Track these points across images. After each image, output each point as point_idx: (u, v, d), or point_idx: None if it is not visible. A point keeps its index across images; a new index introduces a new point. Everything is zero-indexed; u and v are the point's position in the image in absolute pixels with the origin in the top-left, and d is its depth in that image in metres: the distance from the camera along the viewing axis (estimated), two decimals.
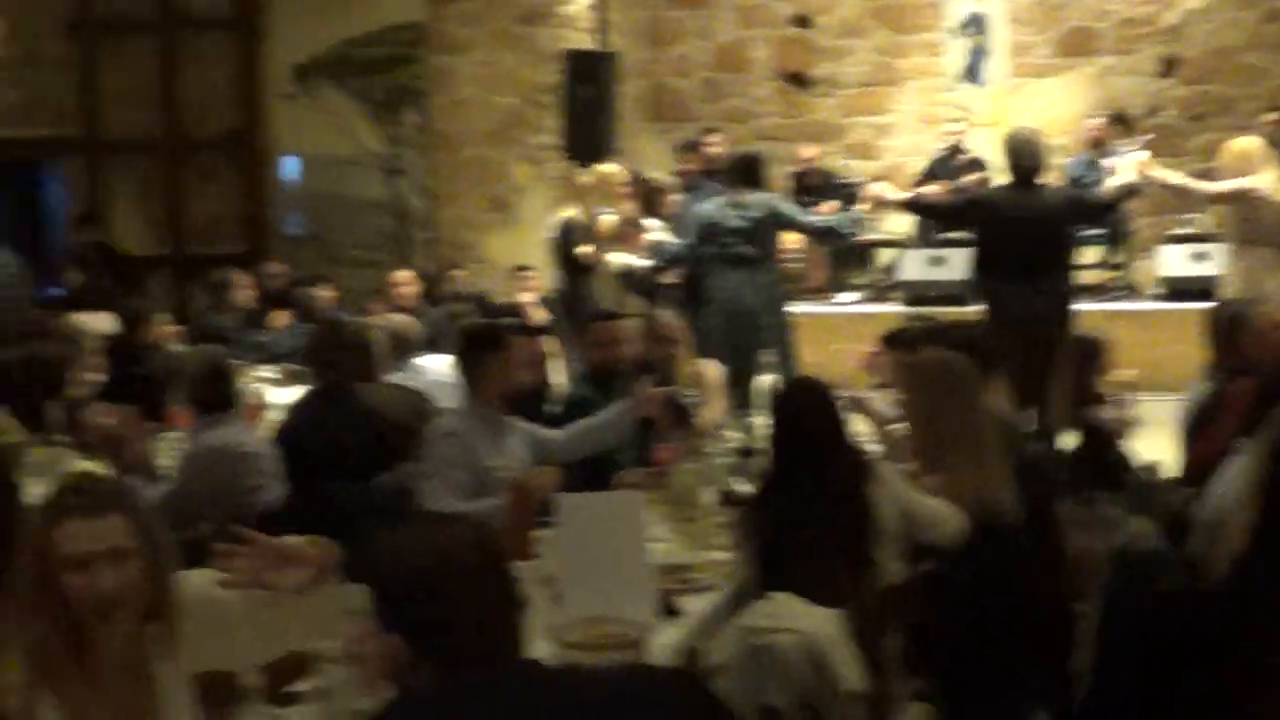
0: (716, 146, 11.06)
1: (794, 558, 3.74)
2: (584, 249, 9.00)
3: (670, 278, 8.97)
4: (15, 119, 13.77)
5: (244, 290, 9.99)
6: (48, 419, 6.05)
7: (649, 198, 9.61)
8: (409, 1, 12.33)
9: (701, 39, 13.37)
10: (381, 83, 12.59)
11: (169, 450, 6.15)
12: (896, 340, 5.57)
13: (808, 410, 4.17)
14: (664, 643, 3.49)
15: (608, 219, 9.24)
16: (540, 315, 10.42)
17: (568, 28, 12.02)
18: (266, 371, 8.23)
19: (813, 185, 12.21)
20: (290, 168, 13.12)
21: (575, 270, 9.32)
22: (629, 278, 9.03)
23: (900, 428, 4.74)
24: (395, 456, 5.69)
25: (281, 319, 9.85)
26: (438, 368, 7.63)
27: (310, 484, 5.39)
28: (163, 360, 7.74)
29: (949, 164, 12.03)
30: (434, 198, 12.55)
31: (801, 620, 3.41)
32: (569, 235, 9.32)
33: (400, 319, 7.40)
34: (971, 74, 13.18)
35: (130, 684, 2.76)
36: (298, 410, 5.81)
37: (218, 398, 5.20)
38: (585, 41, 11.77)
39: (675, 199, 9.87)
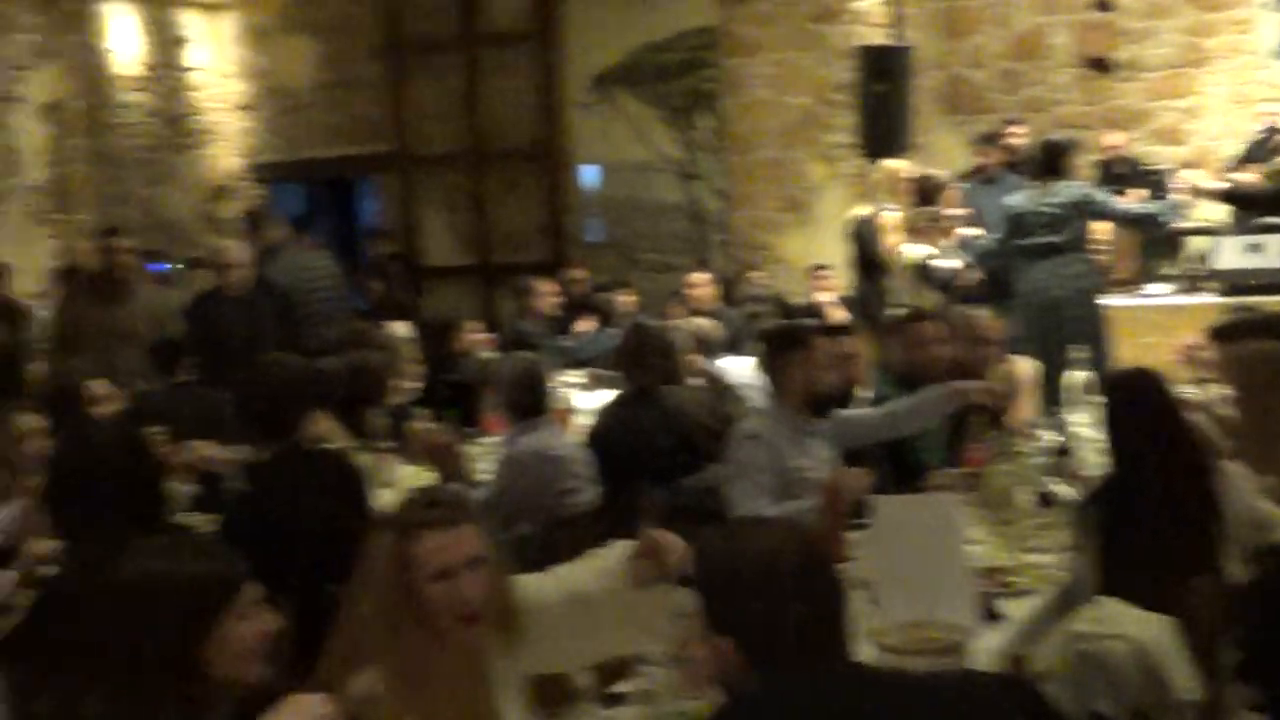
0: (1018, 137, 10.78)
1: (1133, 560, 3.60)
2: (883, 247, 8.94)
3: (971, 273, 8.78)
4: (332, 139, 14.49)
5: (548, 297, 10.22)
6: (369, 426, 6.33)
7: (926, 192, 9.43)
8: (701, 6, 12.42)
9: (998, 27, 13.02)
10: (676, 88, 12.72)
11: (485, 456, 6.33)
12: (1223, 333, 5.30)
13: (1144, 403, 3.98)
14: (986, 647, 3.41)
15: (890, 215, 9.15)
16: (839, 315, 10.35)
17: (860, 23, 11.90)
18: (572, 376, 8.39)
19: (1120, 173, 11.75)
20: (589, 175, 13.38)
21: (870, 269, 9.23)
22: (927, 274, 8.87)
23: (1227, 424, 4.52)
24: (702, 459, 5.74)
25: (585, 324, 10.04)
26: (739, 370, 7.66)
27: (620, 486, 5.47)
28: (475, 368, 7.97)
29: (1265, 146, 11.42)
30: (729, 200, 12.61)
31: (1133, 626, 3.29)
32: (862, 234, 9.25)
33: (702, 322, 7.45)
34: None
35: (472, 686, 2.85)
36: (608, 413, 5.91)
37: (532, 403, 5.31)
38: (879, 36, 11.61)
39: (955, 193, 9.65)
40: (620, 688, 3.10)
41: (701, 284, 10.02)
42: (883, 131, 10.72)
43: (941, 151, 12.05)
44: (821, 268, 11.11)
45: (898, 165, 9.52)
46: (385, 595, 2.75)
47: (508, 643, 2.86)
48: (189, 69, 14.80)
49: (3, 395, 6.72)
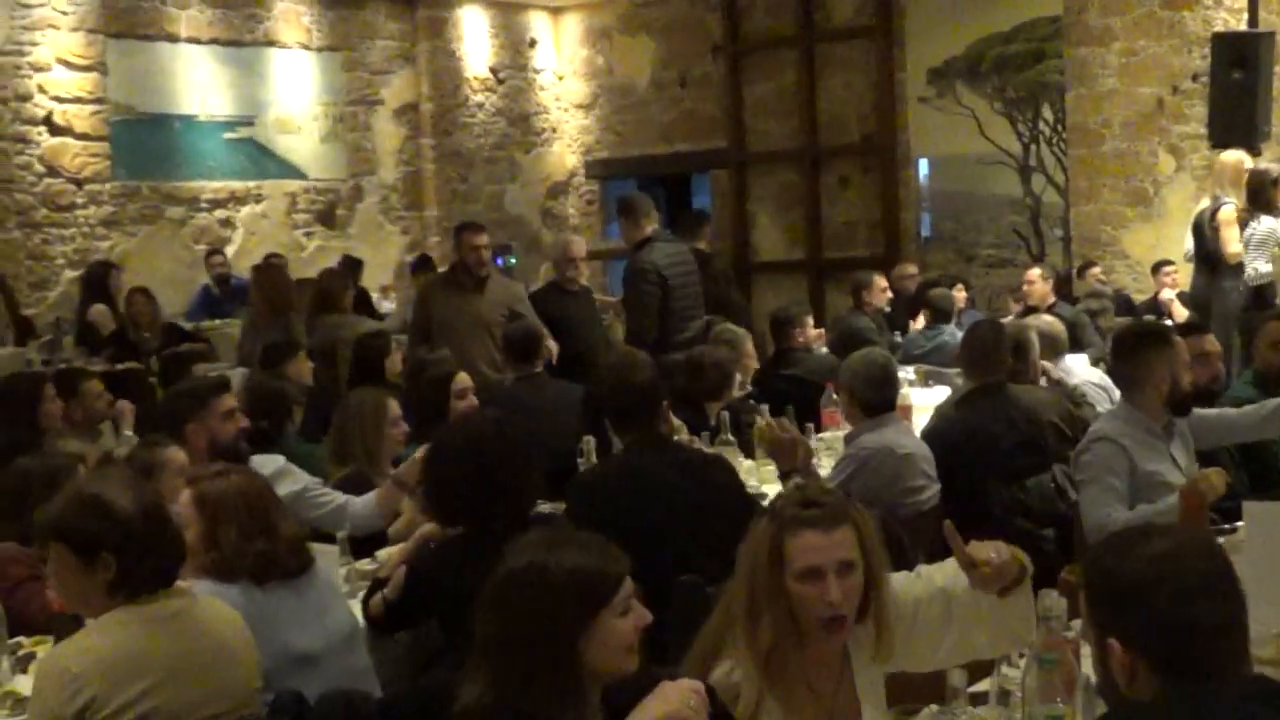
0: None
1: None
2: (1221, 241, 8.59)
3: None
4: (667, 136, 14.78)
5: (881, 292, 10.15)
6: (713, 420, 6.43)
7: (1259, 189, 8.93)
8: None
9: None
10: (1018, 80, 12.46)
11: (822, 451, 6.33)
12: None
13: None
14: None
15: (1227, 209, 8.75)
16: (1181, 312, 9.96)
17: (1217, 9, 11.39)
18: (903, 372, 8.30)
19: None
20: (923, 170, 13.25)
21: (1211, 265, 8.86)
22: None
23: None
24: (1049, 459, 5.61)
25: (918, 321, 9.93)
26: (1081, 369, 7.45)
27: (964, 484, 5.41)
28: (812, 363, 7.98)
29: None
30: (1070, 194, 12.27)
31: None
32: (1200, 228, 8.89)
33: (1049, 319, 7.28)
34: None
35: (835, 684, 2.87)
36: (951, 411, 5.84)
37: (882, 399, 5.30)
38: (1236, 22, 11.09)
39: None
40: (979, 687, 3.07)
41: (1035, 280, 9.77)
42: (1237, 122, 10.22)
43: None
44: (1166, 263, 10.71)
45: (1237, 157, 9.08)
46: (758, 584, 2.78)
47: (876, 643, 2.86)
48: (535, 70, 15.34)
49: (366, 383, 7.08)
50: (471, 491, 3.98)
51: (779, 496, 2.94)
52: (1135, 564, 2.16)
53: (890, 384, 5.37)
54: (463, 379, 6.04)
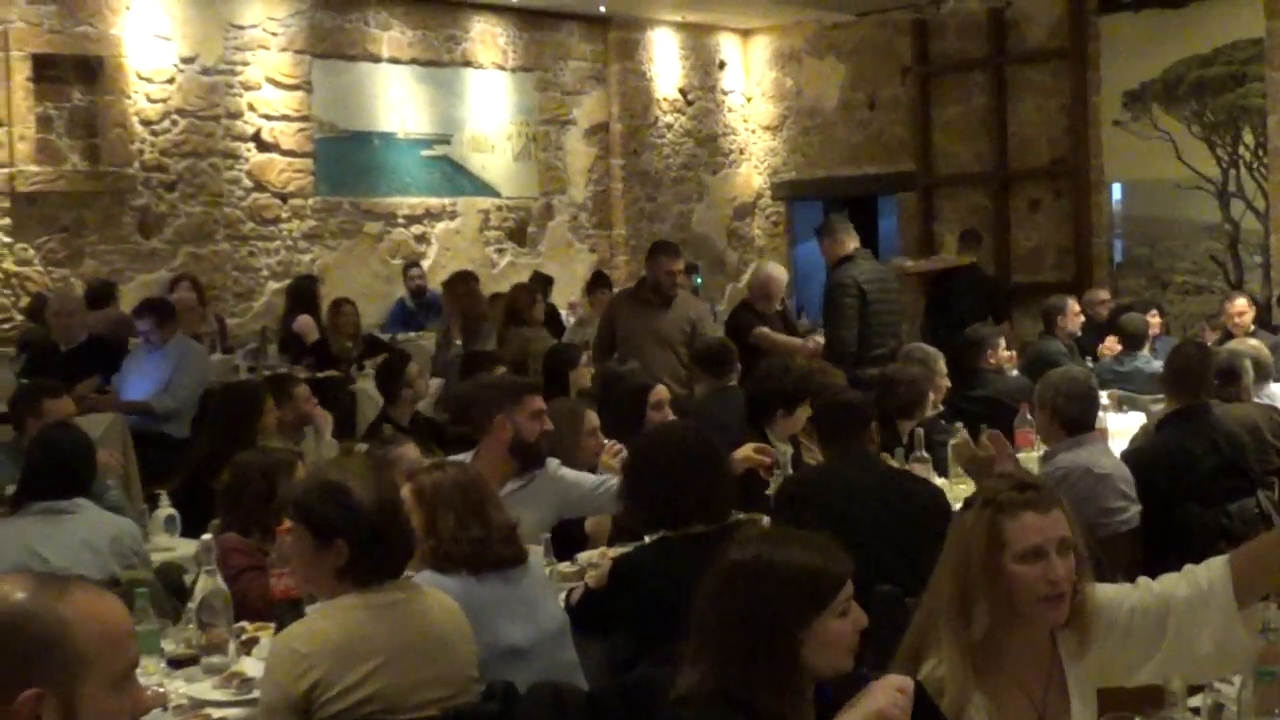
0: None
1: None
2: None
3: None
4: (854, 158, 14.78)
5: (1074, 317, 10.02)
6: (905, 438, 6.45)
7: None
8: (1249, 16, 11.85)
9: None
10: (1216, 103, 12.19)
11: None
12: None
13: None
14: None
15: None
16: None
17: None
18: None
19: None
20: (1116, 194, 13.03)
21: None
22: None
23: None
24: (1254, 480, 5.52)
25: (1110, 346, 9.78)
26: None
27: (1163, 506, 5.34)
28: (1002, 384, 7.94)
29: None
30: (1271, 220, 11.95)
31: None
32: None
33: (1256, 344, 7.13)
34: None
35: (1043, 684, 2.87)
36: (1155, 431, 5.78)
37: (1082, 419, 5.27)
38: None
39: None
40: (1191, 701, 3.04)
41: (1241, 311, 9.56)
42: None
43: None
44: None
45: None
46: (972, 571, 2.80)
47: (1082, 642, 2.86)
48: (724, 91, 15.47)
49: (555, 393, 7.25)
50: (670, 496, 4.08)
51: (987, 486, 2.96)
52: None
53: (1092, 401, 5.35)
54: (660, 391, 6.16)
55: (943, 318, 11.05)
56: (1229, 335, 9.17)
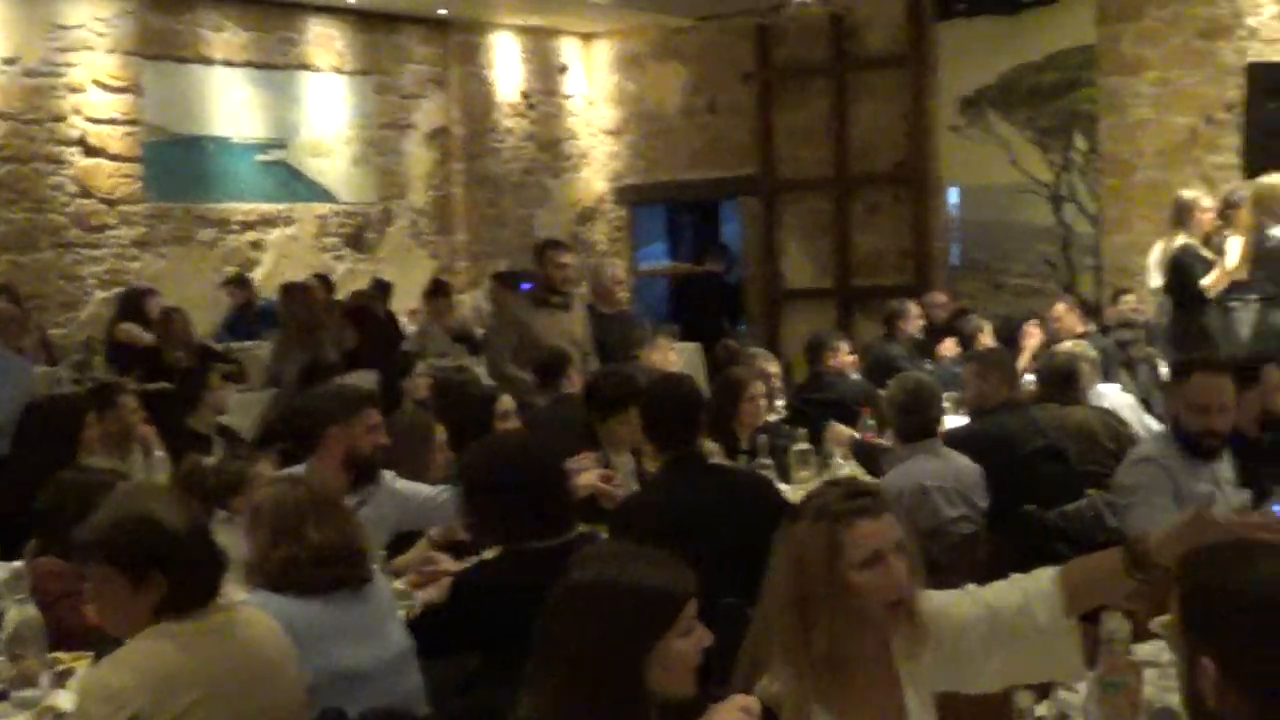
0: None
1: None
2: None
3: None
4: (696, 163, 14.79)
5: (915, 320, 10.12)
6: (744, 443, 6.41)
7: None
8: (1080, 25, 12.11)
9: None
10: (1049, 109, 12.44)
11: (854, 477, 6.32)
12: None
13: None
14: None
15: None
16: None
17: (1252, 39, 11.36)
18: None
19: None
20: (953, 198, 13.23)
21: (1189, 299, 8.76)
22: None
23: None
24: (1090, 483, 5.59)
25: (949, 348, 9.89)
26: (1116, 396, 7.43)
27: (1005, 510, 5.37)
28: (845, 387, 7.96)
29: None
30: (1101, 223, 12.23)
31: None
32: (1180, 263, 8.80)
33: (1086, 345, 7.24)
34: None
35: (883, 693, 2.83)
36: (982, 435, 5.81)
37: (911, 425, 5.26)
38: (1271, 53, 11.06)
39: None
40: (1037, 710, 3.01)
41: (1063, 315, 9.77)
42: (1272, 152, 10.20)
43: None
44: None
45: (1193, 194, 9.10)
46: (810, 585, 2.73)
47: (914, 647, 2.83)
48: (566, 95, 15.37)
49: (388, 403, 7.10)
50: (507, 511, 3.95)
51: (814, 495, 2.88)
52: (1240, 584, 2.10)
53: (921, 409, 5.32)
54: (506, 400, 6.02)
55: (689, 318, 12.85)
56: (1057, 339, 9.32)
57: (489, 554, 4.15)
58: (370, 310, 10.45)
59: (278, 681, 3.25)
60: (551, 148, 15.29)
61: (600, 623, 2.53)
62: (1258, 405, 5.60)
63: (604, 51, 15.46)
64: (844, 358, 8.27)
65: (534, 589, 3.50)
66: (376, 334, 9.47)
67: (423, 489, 5.14)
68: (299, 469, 5.01)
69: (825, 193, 13.86)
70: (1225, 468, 4.95)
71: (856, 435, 6.90)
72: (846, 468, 6.41)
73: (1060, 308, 9.95)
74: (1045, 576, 2.89)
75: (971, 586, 3.01)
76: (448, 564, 4.52)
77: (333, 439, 4.96)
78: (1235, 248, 8.65)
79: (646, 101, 15.17)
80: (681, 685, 2.57)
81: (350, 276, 13.23)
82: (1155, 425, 7.15)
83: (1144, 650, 3.33)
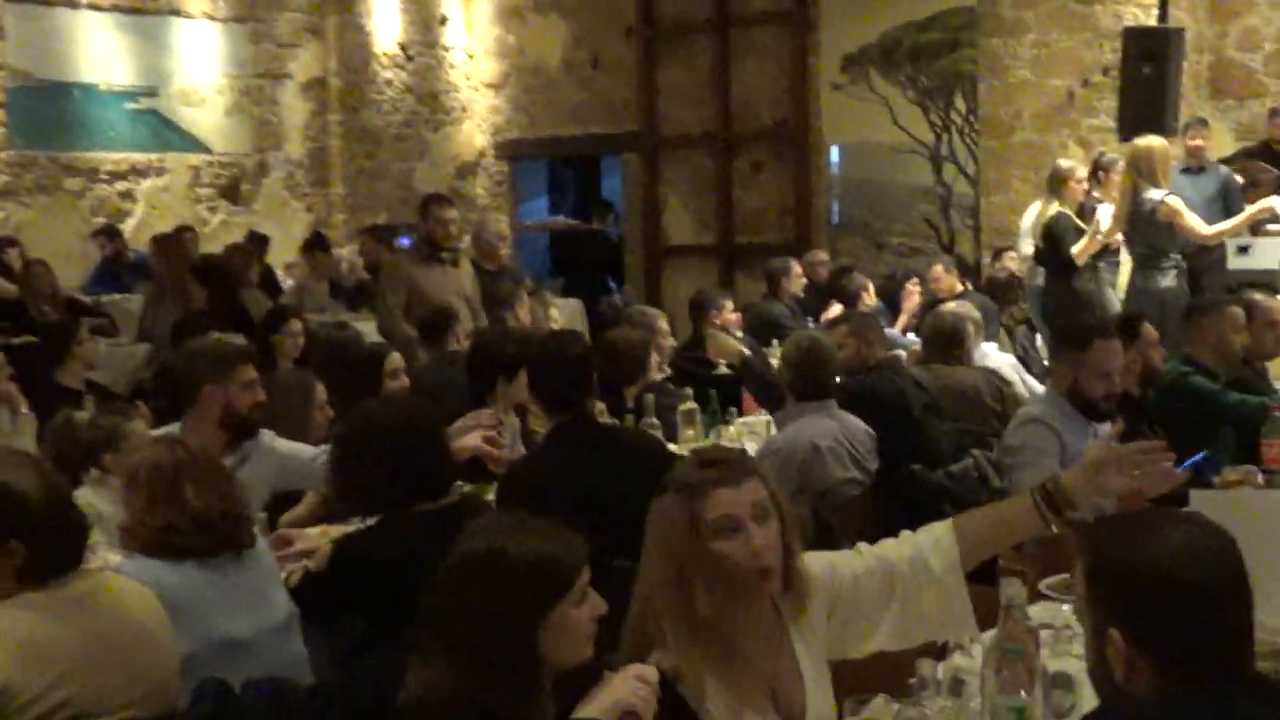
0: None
1: None
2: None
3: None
4: (579, 118, 14.65)
5: (797, 279, 10.14)
6: (629, 403, 6.35)
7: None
8: None
9: (1272, 9, 12.45)
10: (931, 69, 12.50)
11: (743, 437, 6.30)
12: None
13: None
14: None
15: (1175, 199, 8.74)
16: None
17: (1128, 4, 11.50)
18: None
19: None
20: (835, 157, 13.27)
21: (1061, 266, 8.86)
22: None
23: None
24: (974, 443, 5.63)
25: (833, 308, 9.93)
26: (998, 355, 7.51)
27: (894, 470, 5.39)
28: (731, 348, 7.93)
29: None
30: (980, 184, 12.34)
31: None
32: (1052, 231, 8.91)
33: (970, 306, 7.29)
34: None
35: (774, 657, 2.81)
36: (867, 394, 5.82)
37: (807, 387, 5.24)
38: (1146, 18, 11.20)
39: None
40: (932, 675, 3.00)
41: (942, 276, 9.86)
42: (1145, 116, 10.30)
43: (1204, 137, 11.59)
44: None
45: (1161, 142, 9.05)
46: (680, 557, 2.71)
47: (800, 608, 2.82)
48: (446, 47, 15.14)
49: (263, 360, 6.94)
50: (386, 477, 3.85)
51: (676, 468, 2.87)
52: (1150, 558, 2.09)
53: (815, 368, 5.30)
54: (395, 359, 5.88)
55: (571, 275, 12.79)
56: (936, 300, 9.40)
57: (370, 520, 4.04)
58: (219, 267, 10.06)
59: (149, 650, 3.15)
60: (431, 101, 15.05)
61: (492, 594, 2.48)
62: (1139, 363, 5.68)
63: (484, 3, 15.22)
64: (727, 316, 8.26)
65: (414, 554, 3.46)
66: (225, 293, 9.13)
67: (303, 449, 5.01)
68: (174, 427, 4.87)
69: (708, 150, 13.82)
70: (1107, 426, 5.02)
71: (745, 351, 6.86)
72: (733, 426, 6.40)
73: (939, 269, 10.04)
74: (939, 528, 2.93)
75: (863, 545, 3.01)
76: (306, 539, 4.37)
77: (207, 397, 4.81)
78: (1106, 213, 8.77)
79: (528, 55, 14.98)
80: (576, 654, 2.55)
81: (225, 229, 12.96)
82: (1035, 385, 7.24)
83: (1033, 612, 3.34)
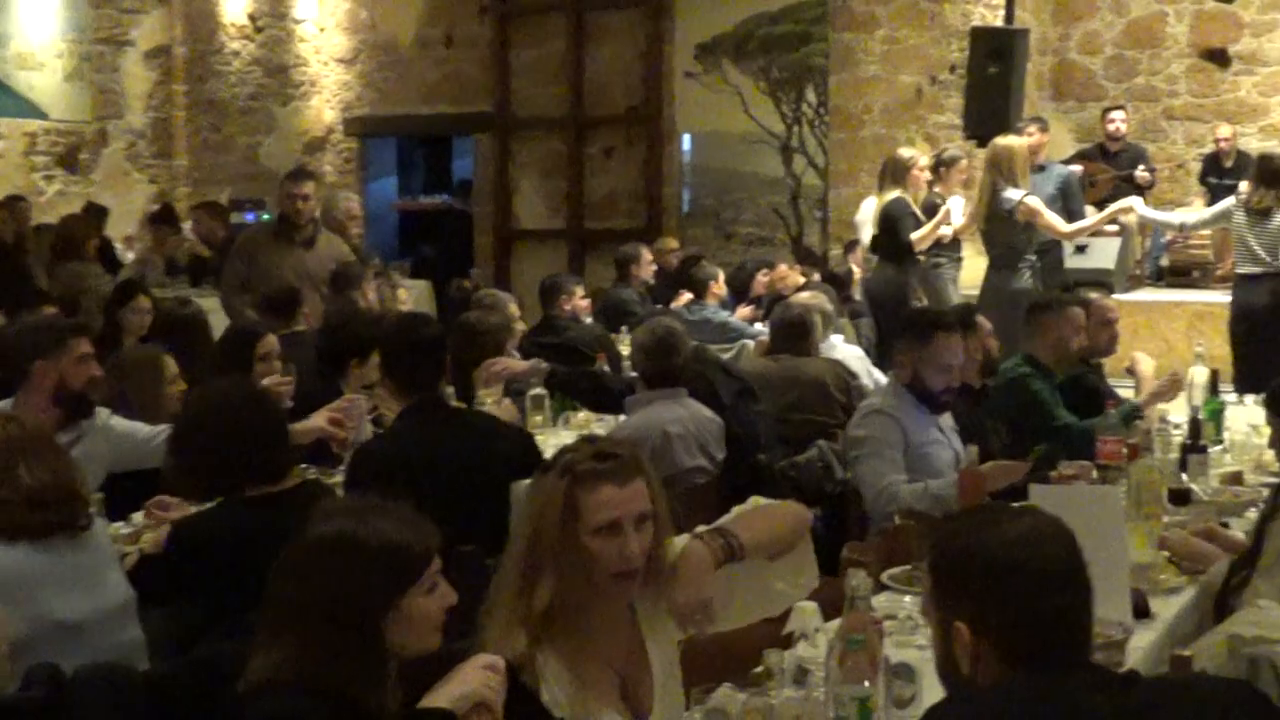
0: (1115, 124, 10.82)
1: None
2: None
3: None
4: (431, 97, 14.50)
5: (648, 265, 10.17)
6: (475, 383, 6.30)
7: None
8: None
9: (1113, 13, 12.81)
10: (783, 61, 12.63)
11: (595, 424, 6.28)
12: None
13: None
14: (1138, 645, 3.33)
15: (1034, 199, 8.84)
16: None
17: (976, 4, 11.74)
18: None
19: (1229, 167, 11.56)
20: (687, 145, 13.34)
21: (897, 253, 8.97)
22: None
23: None
24: (820, 433, 5.70)
25: (683, 296, 9.97)
26: (846, 347, 7.61)
27: (742, 458, 5.43)
28: (578, 332, 7.93)
29: None
30: (829, 176, 12.50)
31: None
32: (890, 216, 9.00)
33: (820, 297, 7.38)
34: None
35: (623, 644, 2.80)
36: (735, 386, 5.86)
37: (659, 374, 5.24)
38: (993, 18, 11.44)
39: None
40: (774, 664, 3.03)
41: (788, 274, 9.97)
42: (989, 114, 10.51)
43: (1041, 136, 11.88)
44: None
45: (1020, 141, 9.11)
46: (544, 540, 2.67)
47: (658, 603, 2.82)
48: (296, 20, 14.86)
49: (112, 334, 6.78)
50: (225, 460, 3.77)
51: (566, 449, 2.82)
52: (990, 548, 2.13)
53: (667, 355, 5.31)
54: (270, 341, 5.72)
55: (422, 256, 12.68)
56: (780, 296, 9.49)
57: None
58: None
59: None
60: (279, 74, 14.78)
61: (340, 580, 2.42)
62: (979, 354, 5.79)
63: None
64: (578, 301, 8.25)
65: (253, 537, 3.40)
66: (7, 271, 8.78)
67: (140, 428, 4.89)
68: (6, 404, 4.72)
69: (560, 133, 13.79)
70: (948, 417, 5.12)
71: (541, 365, 6.66)
72: (582, 413, 6.38)
73: (782, 268, 10.15)
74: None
75: (701, 527, 3.01)
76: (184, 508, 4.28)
77: (39, 372, 4.67)
78: (958, 206, 8.87)
79: (380, 31, 14.78)
80: (424, 643, 2.51)
81: (62, 199, 12.58)
82: (881, 377, 7.34)
83: (877, 603, 3.39)
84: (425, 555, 2.49)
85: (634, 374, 5.74)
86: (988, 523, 2.19)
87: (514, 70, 13.92)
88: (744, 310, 9.80)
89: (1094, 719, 1.99)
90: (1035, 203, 8.20)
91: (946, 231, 8.76)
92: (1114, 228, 10.31)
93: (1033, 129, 9.85)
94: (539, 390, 6.30)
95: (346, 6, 14.89)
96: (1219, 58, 12.64)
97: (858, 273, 10.40)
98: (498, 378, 5.67)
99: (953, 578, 2.16)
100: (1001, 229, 8.23)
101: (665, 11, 13.10)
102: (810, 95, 12.58)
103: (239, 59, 14.40)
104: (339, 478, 4.78)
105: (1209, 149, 11.99)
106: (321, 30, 15.03)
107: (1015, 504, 2.78)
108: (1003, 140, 8.60)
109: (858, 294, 9.75)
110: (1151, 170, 11.20)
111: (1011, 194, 8.08)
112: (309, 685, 2.39)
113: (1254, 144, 11.81)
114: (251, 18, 14.44)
